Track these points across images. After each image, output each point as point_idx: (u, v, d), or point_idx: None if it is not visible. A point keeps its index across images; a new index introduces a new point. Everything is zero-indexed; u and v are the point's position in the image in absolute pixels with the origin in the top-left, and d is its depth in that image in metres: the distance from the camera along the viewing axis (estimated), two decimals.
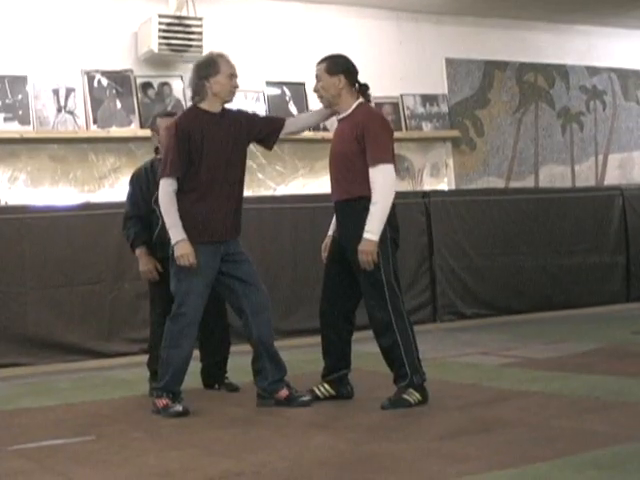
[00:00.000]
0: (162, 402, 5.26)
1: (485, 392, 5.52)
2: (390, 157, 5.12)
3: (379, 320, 5.16)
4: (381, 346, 5.24)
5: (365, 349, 7.92)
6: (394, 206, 5.19)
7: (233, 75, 5.42)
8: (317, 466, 3.93)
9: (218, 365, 6.21)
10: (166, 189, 5.21)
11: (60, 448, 4.58)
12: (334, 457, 4.09)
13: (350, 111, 5.27)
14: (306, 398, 5.35)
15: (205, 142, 5.25)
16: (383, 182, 5.03)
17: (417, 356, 5.17)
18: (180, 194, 5.23)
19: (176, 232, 5.19)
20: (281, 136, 5.64)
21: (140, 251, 6.06)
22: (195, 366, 5.96)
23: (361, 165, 5.10)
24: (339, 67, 5.29)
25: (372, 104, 5.56)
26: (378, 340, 5.24)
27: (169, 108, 8.99)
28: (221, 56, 5.51)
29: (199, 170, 5.24)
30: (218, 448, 4.40)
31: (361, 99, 5.34)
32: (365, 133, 5.10)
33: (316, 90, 5.42)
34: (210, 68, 5.34)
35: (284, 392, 5.37)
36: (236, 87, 5.45)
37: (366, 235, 5.00)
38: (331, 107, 5.43)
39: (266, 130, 5.57)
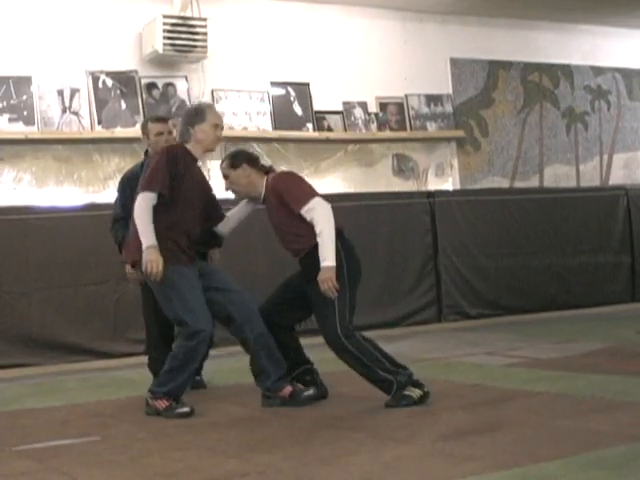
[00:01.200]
0: (164, 403, 5.24)
1: (490, 392, 5.52)
2: (311, 192, 5.31)
3: (336, 349, 5.23)
4: (352, 369, 5.30)
5: None
6: (349, 244, 5.34)
7: (218, 126, 5.55)
8: (322, 466, 3.93)
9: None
10: (147, 201, 5.25)
11: (65, 448, 4.58)
12: (339, 457, 4.09)
13: (264, 189, 5.45)
14: (310, 392, 5.38)
15: (186, 178, 5.38)
16: (317, 212, 5.19)
17: (388, 360, 5.21)
18: (159, 215, 5.27)
19: (148, 237, 5.21)
20: (216, 230, 5.78)
21: None
22: None
23: (296, 222, 5.28)
24: (240, 159, 5.50)
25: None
26: (347, 364, 5.31)
27: (174, 109, 9.01)
28: (210, 106, 5.77)
29: (177, 200, 5.34)
30: (223, 448, 4.40)
31: (265, 177, 5.49)
32: (281, 193, 5.31)
33: (227, 189, 5.58)
34: (196, 116, 5.49)
35: (288, 389, 5.37)
36: (219, 137, 5.59)
37: (322, 264, 5.12)
38: (248, 196, 5.59)
39: (212, 207, 5.73)
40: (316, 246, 5.20)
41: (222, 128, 5.60)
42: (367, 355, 5.17)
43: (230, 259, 7.02)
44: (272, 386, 5.39)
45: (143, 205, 5.25)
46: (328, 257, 5.12)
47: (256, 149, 9.43)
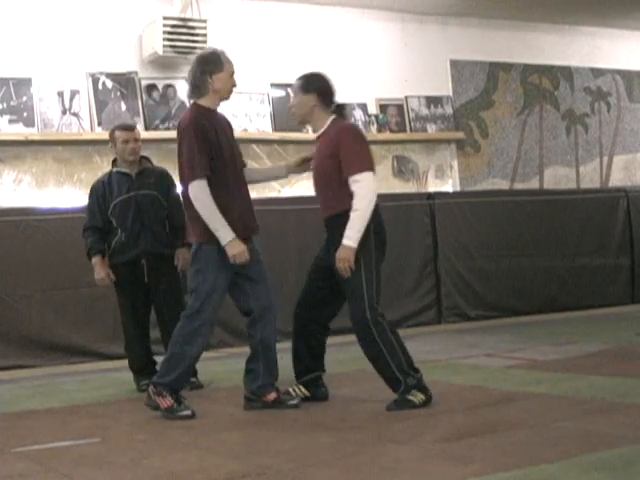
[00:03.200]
0: (167, 402, 5.20)
1: (490, 394, 5.51)
2: (368, 165, 5.14)
3: (360, 330, 5.15)
4: (368, 357, 5.23)
5: None
6: (380, 217, 5.19)
7: (233, 73, 5.42)
8: (322, 468, 3.93)
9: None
10: (203, 190, 5.10)
11: (65, 450, 4.58)
12: (339, 459, 4.09)
13: (325, 128, 5.28)
14: (294, 402, 5.33)
15: (220, 140, 5.25)
16: (362, 190, 5.03)
17: (405, 359, 5.13)
18: (215, 190, 5.16)
19: (225, 232, 5.10)
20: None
21: (95, 260, 6.33)
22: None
23: (339, 181, 5.10)
24: (314, 85, 5.31)
25: (352, 121, 5.56)
26: (364, 351, 5.23)
27: (173, 110, 9.03)
28: (223, 53, 5.50)
29: (222, 165, 5.21)
30: (223, 450, 4.40)
31: (334, 116, 5.32)
32: (339, 147, 5.12)
33: (290, 106, 5.47)
34: (214, 64, 5.32)
35: (272, 395, 5.34)
36: (235, 86, 5.45)
37: (344, 241, 4.99)
38: (304, 124, 5.56)
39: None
40: (346, 212, 5.06)
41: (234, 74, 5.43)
42: (388, 348, 5.07)
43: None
44: (257, 390, 5.36)
45: (202, 196, 5.09)
46: (353, 237, 4.97)
47: (256, 151, 9.44)
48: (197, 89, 5.32)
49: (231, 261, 5.13)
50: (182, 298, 6.35)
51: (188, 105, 8.90)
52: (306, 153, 5.67)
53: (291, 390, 5.46)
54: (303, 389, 5.47)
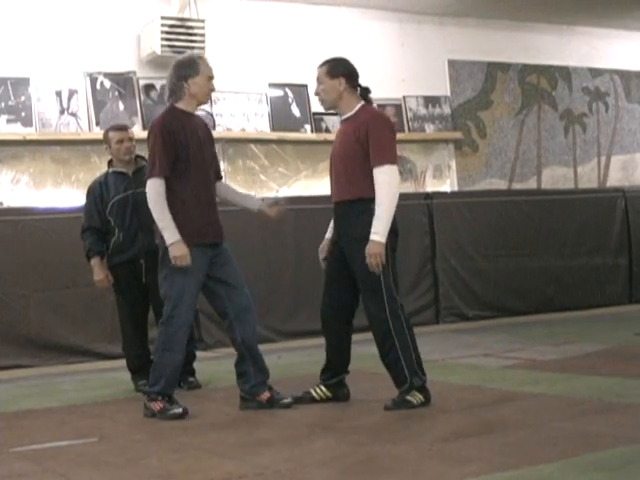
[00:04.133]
0: (158, 405, 5.23)
1: (488, 394, 5.51)
2: (395, 158, 5.09)
3: (377, 323, 5.13)
4: (379, 348, 5.21)
5: (366, 350, 7.92)
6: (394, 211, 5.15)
7: (211, 78, 5.41)
8: (320, 468, 3.93)
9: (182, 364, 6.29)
10: (156, 189, 5.16)
11: (62, 450, 4.58)
12: (336, 459, 4.09)
13: (354, 112, 5.24)
14: (287, 400, 5.33)
15: (189, 141, 5.26)
16: (389, 183, 5.00)
17: (416, 358, 5.12)
18: (171, 194, 5.19)
19: (170, 233, 5.14)
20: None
21: (94, 261, 6.37)
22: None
23: (361, 167, 5.07)
24: (340, 69, 5.27)
25: (375, 106, 5.52)
26: (376, 342, 5.22)
27: None
28: (201, 58, 5.49)
29: (188, 169, 5.23)
30: (220, 450, 4.40)
31: (363, 102, 5.30)
32: (369, 134, 5.07)
33: (317, 93, 5.40)
34: (190, 69, 5.31)
35: (266, 394, 5.36)
36: (213, 90, 5.46)
37: (373, 237, 4.94)
38: (332, 109, 5.42)
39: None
40: (360, 200, 5.05)
41: (214, 79, 5.41)
42: (401, 343, 5.06)
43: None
44: (250, 390, 5.38)
45: (154, 195, 5.16)
46: (380, 232, 4.93)
47: (254, 150, 9.45)
48: (173, 93, 5.35)
49: (172, 262, 5.14)
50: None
51: None
52: (277, 202, 5.78)
53: (312, 391, 5.44)
54: (325, 389, 5.44)
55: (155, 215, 5.18)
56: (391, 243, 5.09)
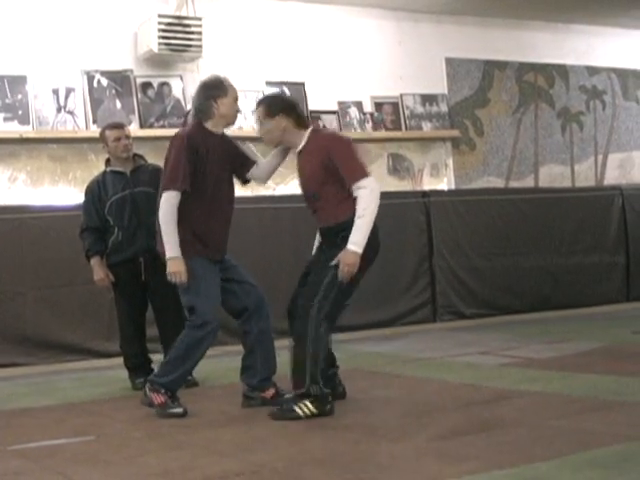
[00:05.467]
0: (160, 398, 5.22)
1: (484, 392, 5.52)
2: (365, 169, 5.08)
3: (301, 313, 5.09)
4: (292, 345, 5.16)
5: (364, 349, 7.95)
6: (377, 227, 5.12)
7: (237, 99, 5.44)
8: (316, 466, 3.94)
9: None
10: (171, 201, 5.16)
11: (60, 448, 4.58)
12: (333, 457, 4.10)
13: (305, 142, 5.20)
14: (290, 396, 5.29)
15: (209, 160, 5.28)
16: (369, 195, 4.96)
17: (321, 370, 5.02)
18: (183, 208, 5.20)
19: (172, 248, 5.17)
20: (251, 178, 5.69)
21: (94, 261, 6.41)
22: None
23: (335, 192, 5.07)
24: (277, 107, 5.21)
25: (321, 126, 5.47)
26: (292, 336, 5.18)
27: (168, 108, 9.01)
28: (227, 79, 5.50)
29: (204, 186, 5.26)
30: (218, 448, 4.40)
31: (311, 128, 5.26)
32: (333, 158, 5.05)
33: (261, 135, 5.38)
34: (218, 89, 5.35)
35: (271, 391, 5.38)
36: (239, 111, 5.50)
37: (350, 246, 4.93)
38: (281, 145, 5.39)
39: (240, 163, 5.60)
40: (340, 225, 5.04)
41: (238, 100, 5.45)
42: (314, 346, 4.98)
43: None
44: (257, 384, 5.40)
45: (167, 208, 5.16)
46: (359, 242, 4.91)
47: (251, 149, 9.43)
48: (202, 113, 5.36)
49: (167, 277, 5.19)
50: (179, 296, 6.37)
51: (183, 103, 8.96)
52: None
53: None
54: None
55: (163, 227, 5.19)
56: (364, 262, 5.05)
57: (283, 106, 5.24)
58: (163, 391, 5.24)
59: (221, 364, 7.10)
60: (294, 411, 4.98)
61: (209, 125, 5.35)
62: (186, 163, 5.18)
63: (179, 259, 5.16)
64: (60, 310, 7.84)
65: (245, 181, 5.72)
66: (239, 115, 5.59)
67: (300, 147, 5.22)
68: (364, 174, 5.02)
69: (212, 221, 5.32)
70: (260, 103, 5.31)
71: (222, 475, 3.84)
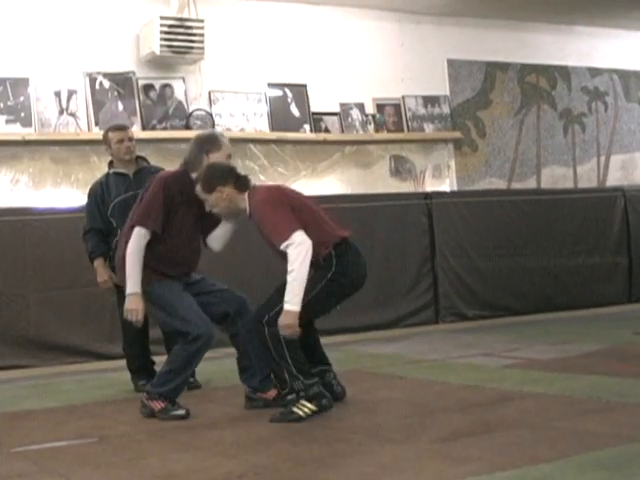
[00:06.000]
0: (159, 404, 5.24)
1: (487, 393, 5.52)
2: (288, 227, 4.94)
3: (252, 326, 5.12)
4: (256, 352, 5.21)
5: (367, 350, 7.94)
6: (349, 258, 5.14)
7: (230, 156, 5.48)
8: (319, 467, 3.94)
9: None
10: (140, 239, 5.24)
11: (62, 450, 4.58)
12: (336, 458, 4.10)
13: (249, 207, 5.15)
14: (292, 397, 5.32)
15: (183, 206, 5.33)
16: (292, 253, 4.87)
17: (295, 364, 5.02)
18: (150, 243, 5.29)
19: (133, 284, 5.23)
20: (206, 240, 5.63)
21: (97, 263, 6.42)
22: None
23: None
24: (212, 182, 5.16)
25: (254, 185, 5.38)
26: (249, 344, 5.25)
27: (170, 110, 9.02)
28: (222, 135, 5.59)
29: (169, 230, 5.32)
30: (220, 449, 4.40)
31: (247, 192, 5.19)
32: (258, 225, 5.08)
33: (212, 211, 5.32)
34: (212, 144, 5.39)
35: (273, 392, 5.36)
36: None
37: (286, 307, 4.88)
38: (234, 215, 5.34)
39: (211, 225, 5.56)
40: (322, 259, 5.04)
41: (232, 157, 5.50)
42: (276, 349, 4.99)
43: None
44: (259, 386, 5.40)
45: (136, 244, 5.23)
46: (293, 301, 4.85)
47: (254, 151, 9.44)
48: (191, 164, 5.41)
49: (124, 315, 5.27)
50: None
51: (185, 105, 8.97)
52: None
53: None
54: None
55: (128, 260, 5.24)
56: (342, 291, 5.10)
57: (218, 178, 5.18)
58: (162, 398, 5.25)
59: (223, 366, 7.10)
60: (294, 412, 4.98)
61: (194, 177, 5.35)
62: (161, 205, 5.27)
63: (138, 296, 5.23)
64: (63, 312, 7.84)
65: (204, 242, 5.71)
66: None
67: (248, 212, 5.18)
68: (287, 233, 4.91)
69: (177, 257, 5.37)
70: (196, 182, 5.25)
71: (225, 477, 3.84)
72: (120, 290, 6.44)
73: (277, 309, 4.97)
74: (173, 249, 5.36)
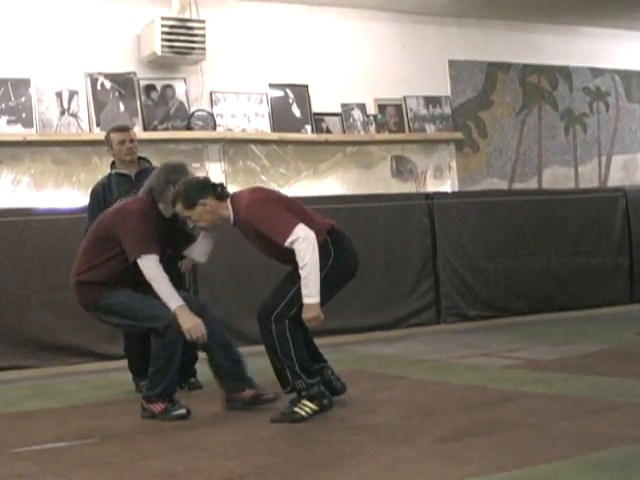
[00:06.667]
0: (159, 406, 5.25)
1: (488, 393, 5.52)
2: (288, 222, 4.96)
3: (260, 322, 5.11)
4: (265, 348, 5.17)
5: (368, 351, 7.95)
6: (343, 245, 5.15)
7: None
8: (321, 468, 3.94)
9: (182, 366, 6.27)
10: (154, 263, 5.23)
11: (63, 451, 4.59)
12: (337, 459, 4.10)
13: (233, 212, 5.14)
14: (270, 396, 5.31)
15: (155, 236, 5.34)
16: (301, 245, 4.88)
17: (299, 362, 5.03)
18: (110, 264, 5.34)
19: (175, 301, 5.22)
20: (186, 253, 5.69)
21: None
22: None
23: (288, 249, 4.98)
24: (192, 198, 5.14)
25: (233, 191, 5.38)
26: (262, 339, 5.18)
27: (172, 111, 9.02)
28: (188, 168, 5.59)
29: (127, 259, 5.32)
30: (221, 450, 4.40)
31: (228, 200, 5.18)
32: (257, 226, 5.03)
33: (195, 226, 5.36)
34: (180, 175, 5.37)
35: (250, 392, 5.35)
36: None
37: (305, 301, 4.91)
38: (219, 226, 5.34)
39: (185, 242, 5.64)
40: (318, 246, 4.97)
41: None
42: (282, 346, 5.00)
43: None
44: (234, 386, 5.37)
45: (154, 270, 5.22)
46: (312, 293, 4.88)
47: (255, 151, 9.44)
48: (157, 193, 5.41)
49: (187, 336, 5.21)
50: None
51: (187, 106, 8.96)
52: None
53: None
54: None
55: (159, 285, 5.23)
56: (342, 276, 5.10)
57: (196, 192, 5.16)
58: (161, 399, 5.26)
59: None
60: (295, 412, 4.98)
61: (161, 207, 5.41)
62: (149, 229, 5.29)
63: (188, 311, 5.21)
64: (64, 313, 7.83)
65: (181, 257, 5.76)
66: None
67: (232, 219, 5.17)
68: (289, 228, 4.92)
69: (131, 276, 5.34)
70: (176, 198, 5.22)
71: (226, 477, 3.84)
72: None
73: (284, 303, 5.00)
74: (133, 272, 5.30)
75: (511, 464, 3.72)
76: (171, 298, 5.21)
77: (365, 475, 3.78)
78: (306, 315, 4.93)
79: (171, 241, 5.52)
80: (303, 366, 5.06)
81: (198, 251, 5.62)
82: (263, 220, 5.01)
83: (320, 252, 4.97)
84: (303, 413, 4.97)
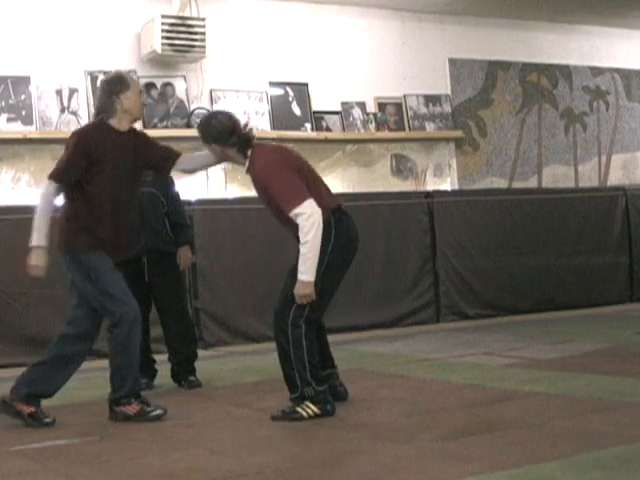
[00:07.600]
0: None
1: (488, 392, 5.52)
2: (299, 194, 4.89)
3: (275, 322, 5.06)
4: (277, 351, 5.10)
5: (368, 349, 7.94)
6: (341, 222, 5.07)
7: (142, 92, 5.39)
8: (320, 466, 3.93)
9: (182, 364, 6.28)
10: (48, 190, 5.16)
11: (63, 448, 4.58)
12: (337, 457, 4.09)
13: (249, 161, 5.10)
14: (157, 412, 5.13)
15: (109, 159, 5.12)
16: (306, 221, 4.82)
17: (310, 369, 4.98)
18: (80, 204, 5.21)
19: (38, 236, 5.20)
20: (175, 170, 5.52)
21: None
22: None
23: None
24: (209, 137, 5.13)
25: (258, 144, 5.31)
26: (275, 339, 5.13)
27: (172, 109, 9.02)
28: (128, 73, 5.48)
29: (101, 182, 5.13)
30: (221, 448, 4.40)
31: (251, 147, 5.13)
32: (267, 187, 4.98)
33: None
34: (121, 84, 5.19)
35: (135, 407, 5.16)
36: (144, 104, 5.41)
37: (300, 277, 4.84)
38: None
39: (160, 157, 5.42)
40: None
41: (142, 94, 5.35)
42: (296, 352, 4.95)
43: None
44: (119, 399, 5.19)
45: (45, 195, 5.18)
46: (308, 272, 4.82)
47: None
48: (104, 111, 5.21)
49: (28, 269, 5.21)
50: (184, 296, 6.37)
51: (186, 104, 8.96)
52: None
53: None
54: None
55: (37, 213, 5.22)
56: (334, 256, 4.99)
57: (214, 134, 5.13)
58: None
59: (224, 365, 7.11)
60: (297, 412, 4.97)
61: (113, 123, 5.19)
62: (72, 159, 5.10)
63: (41, 250, 5.24)
64: (64, 310, 7.77)
65: (167, 172, 5.59)
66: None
67: (246, 167, 5.13)
68: (299, 200, 4.86)
69: (104, 222, 5.19)
70: (197, 128, 5.23)
71: (225, 476, 3.84)
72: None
73: (296, 304, 4.92)
74: (109, 209, 5.16)
75: (511, 463, 3.72)
76: (37, 232, 5.29)
77: (365, 474, 3.78)
78: (299, 291, 4.86)
79: (141, 157, 5.27)
80: (314, 373, 5.01)
81: (193, 159, 5.50)
82: (274, 184, 4.95)
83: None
84: (304, 414, 4.96)
